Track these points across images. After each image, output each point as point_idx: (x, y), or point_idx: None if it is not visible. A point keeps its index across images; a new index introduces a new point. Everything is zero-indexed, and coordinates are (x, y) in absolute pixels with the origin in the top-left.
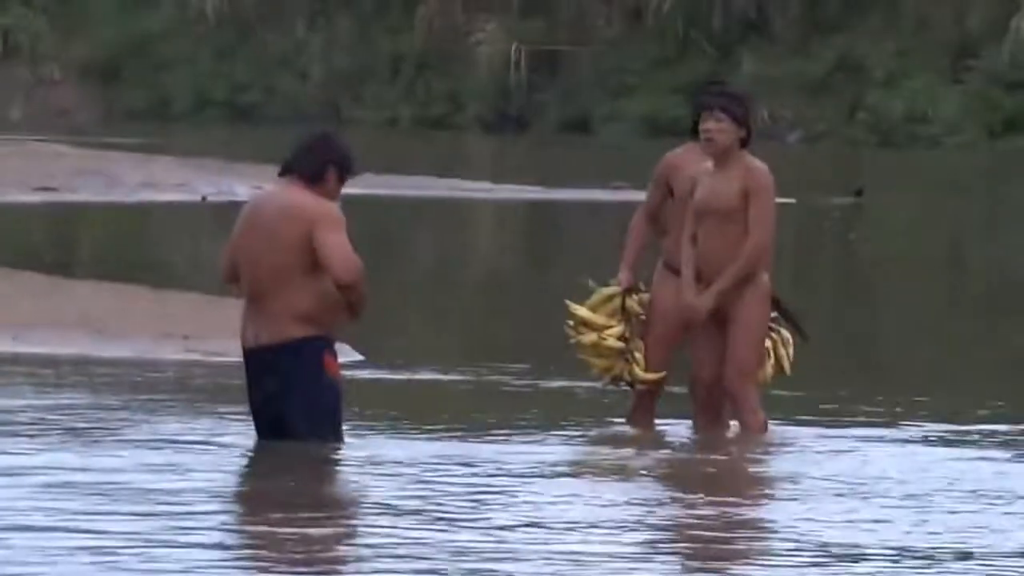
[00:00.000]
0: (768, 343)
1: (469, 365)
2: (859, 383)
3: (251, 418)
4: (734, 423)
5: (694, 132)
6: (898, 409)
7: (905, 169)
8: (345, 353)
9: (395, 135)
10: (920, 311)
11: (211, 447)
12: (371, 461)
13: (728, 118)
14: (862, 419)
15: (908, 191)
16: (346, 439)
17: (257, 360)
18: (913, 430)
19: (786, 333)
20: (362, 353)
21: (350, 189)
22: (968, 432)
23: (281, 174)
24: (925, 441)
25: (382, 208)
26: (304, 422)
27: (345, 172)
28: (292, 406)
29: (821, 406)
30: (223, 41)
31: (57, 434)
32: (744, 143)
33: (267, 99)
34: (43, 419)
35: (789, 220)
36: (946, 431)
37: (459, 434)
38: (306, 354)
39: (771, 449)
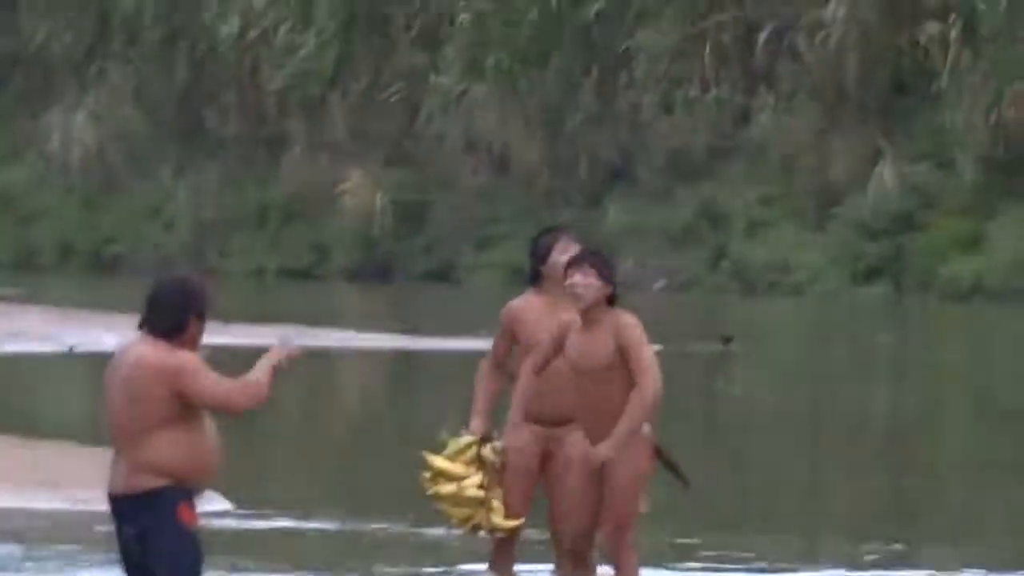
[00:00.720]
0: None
1: (334, 512)
2: (732, 527)
3: (120, 565)
4: (605, 569)
5: (533, 280)
6: (767, 552)
7: (768, 317)
8: (215, 502)
9: (262, 285)
10: (788, 461)
11: None
12: None
13: (596, 274)
14: (736, 564)
15: (773, 339)
16: None
17: (116, 508)
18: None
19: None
20: (232, 501)
21: (217, 339)
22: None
23: (141, 327)
24: None
25: (250, 358)
26: (164, 571)
27: (204, 314)
28: (150, 555)
29: (699, 551)
30: (89, 191)
31: None
32: (611, 301)
33: (133, 249)
34: None
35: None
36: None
37: None
38: (158, 504)
39: None
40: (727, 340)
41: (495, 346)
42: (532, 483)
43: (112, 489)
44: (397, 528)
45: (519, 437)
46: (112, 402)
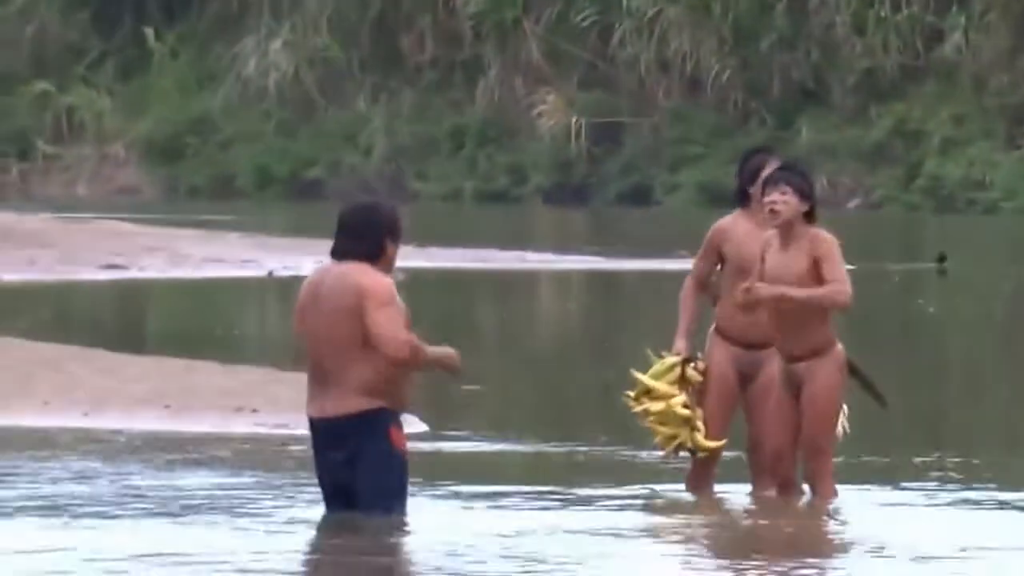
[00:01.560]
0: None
1: (531, 435)
2: (929, 447)
3: (319, 489)
4: (804, 487)
5: (739, 198)
6: (968, 474)
7: (965, 235)
8: (411, 424)
9: (458, 208)
10: (986, 380)
11: (280, 521)
12: (436, 529)
13: (792, 191)
14: (935, 484)
15: (973, 257)
16: (411, 510)
17: (323, 432)
18: (984, 495)
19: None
20: (428, 424)
21: (415, 262)
22: None
23: (335, 257)
24: (998, 506)
25: (447, 281)
26: (370, 494)
27: (399, 237)
28: (358, 478)
29: (893, 470)
30: (285, 117)
31: (138, 511)
32: (808, 218)
33: (331, 174)
34: (123, 496)
35: (854, 287)
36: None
37: (523, 504)
38: (372, 426)
39: (842, 514)
40: (942, 259)
41: (697, 266)
42: (733, 405)
43: (319, 413)
44: (595, 449)
45: (721, 359)
46: (313, 325)
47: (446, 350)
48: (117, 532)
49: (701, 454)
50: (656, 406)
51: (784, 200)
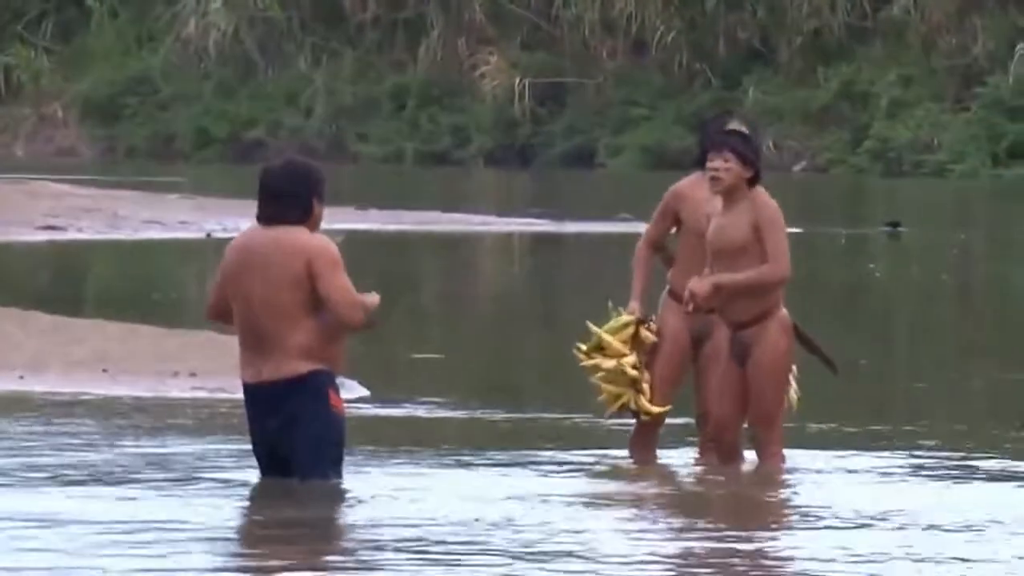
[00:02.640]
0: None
1: (471, 399)
2: (876, 413)
3: (253, 453)
4: (749, 456)
5: (700, 162)
6: (917, 441)
7: (914, 198)
8: (352, 389)
9: (400, 169)
10: (934, 343)
11: (216, 484)
12: (375, 495)
13: (735, 157)
14: (882, 450)
15: (928, 221)
16: (347, 474)
17: (260, 397)
18: (930, 460)
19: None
20: (368, 388)
21: (356, 224)
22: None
23: (261, 222)
24: (942, 472)
25: (387, 244)
26: (307, 457)
27: (324, 195)
28: (296, 440)
29: (840, 436)
30: (225, 78)
31: (62, 475)
32: (752, 183)
33: (271, 136)
34: (54, 460)
35: (800, 251)
36: (961, 462)
37: (461, 468)
38: (311, 388)
39: (786, 480)
40: (895, 225)
41: (652, 228)
42: (683, 370)
43: (255, 378)
44: (542, 415)
45: (674, 322)
46: (253, 292)
47: (373, 298)
48: (44, 499)
49: (644, 417)
50: (607, 363)
51: (727, 167)
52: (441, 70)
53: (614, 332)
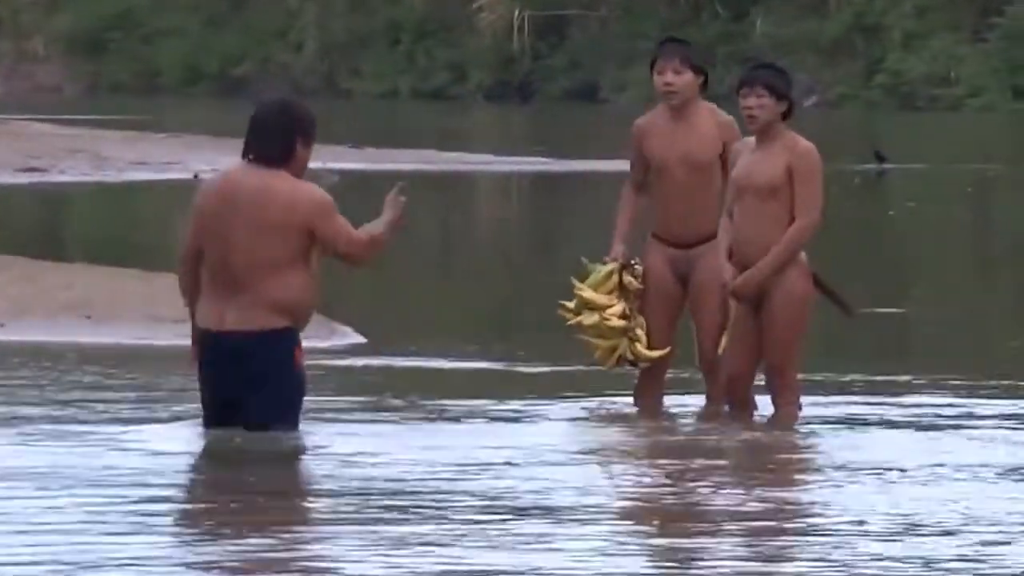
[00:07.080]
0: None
1: (471, 347)
2: (891, 360)
3: (201, 401)
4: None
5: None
6: (936, 390)
7: (930, 134)
8: (347, 336)
9: (395, 106)
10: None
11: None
12: (354, 450)
13: (768, 92)
14: (894, 398)
15: (931, 156)
16: (328, 426)
17: (221, 345)
18: (952, 411)
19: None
20: (364, 335)
21: (350, 164)
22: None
23: (246, 157)
24: (966, 421)
25: (383, 184)
26: (270, 411)
27: (312, 139)
28: (259, 394)
29: (854, 383)
30: (213, 11)
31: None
32: (786, 117)
33: (260, 71)
34: (38, 411)
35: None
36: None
37: (459, 417)
38: (277, 345)
39: (806, 431)
40: (881, 158)
41: (632, 168)
42: (675, 309)
43: (218, 325)
44: (538, 360)
45: (657, 262)
46: (233, 236)
47: (386, 215)
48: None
49: (643, 364)
50: (590, 319)
51: (760, 104)
52: (437, 3)
53: (599, 284)
